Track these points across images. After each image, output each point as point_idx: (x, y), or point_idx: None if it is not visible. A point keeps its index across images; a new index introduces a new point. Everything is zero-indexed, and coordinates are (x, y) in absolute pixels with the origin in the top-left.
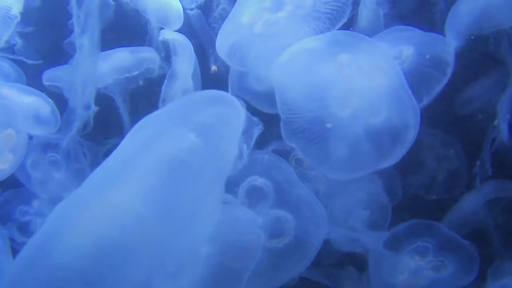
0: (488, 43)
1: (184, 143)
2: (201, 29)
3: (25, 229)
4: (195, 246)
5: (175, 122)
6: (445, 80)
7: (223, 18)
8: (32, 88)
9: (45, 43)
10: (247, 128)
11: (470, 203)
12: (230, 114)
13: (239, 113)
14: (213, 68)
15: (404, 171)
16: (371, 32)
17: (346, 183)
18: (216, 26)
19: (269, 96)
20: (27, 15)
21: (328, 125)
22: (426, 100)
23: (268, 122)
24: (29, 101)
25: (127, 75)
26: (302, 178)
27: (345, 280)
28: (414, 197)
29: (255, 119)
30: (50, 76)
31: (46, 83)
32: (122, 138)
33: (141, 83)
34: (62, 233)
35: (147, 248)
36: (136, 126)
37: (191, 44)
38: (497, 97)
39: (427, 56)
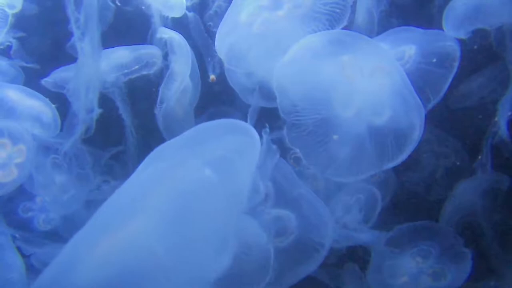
0: (484, 39)
1: (199, 179)
2: (198, 36)
3: (29, 226)
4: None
5: (190, 156)
6: (451, 76)
7: (218, 15)
8: (36, 92)
9: (44, 46)
10: (264, 157)
11: (466, 191)
12: (247, 146)
13: (256, 144)
14: (212, 77)
15: (401, 169)
16: (364, 30)
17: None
18: (211, 24)
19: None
20: (23, 22)
21: (335, 136)
22: (434, 99)
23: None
24: (32, 104)
25: (126, 70)
26: (300, 176)
27: (346, 278)
28: (414, 196)
29: (274, 147)
30: (53, 76)
31: (44, 80)
32: (123, 143)
33: (142, 75)
34: (80, 262)
35: (160, 279)
36: (151, 155)
37: (187, 44)
38: (491, 93)
39: (434, 60)
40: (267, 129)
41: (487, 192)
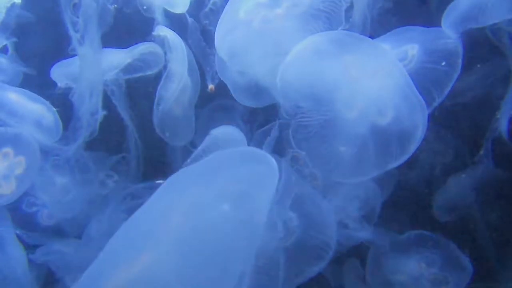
0: (478, 36)
1: (216, 213)
2: (197, 45)
3: (32, 221)
4: None
5: (207, 189)
6: (455, 73)
7: (214, 13)
8: (37, 95)
9: (44, 48)
10: (283, 189)
11: (458, 184)
12: (265, 176)
13: (274, 174)
14: (210, 87)
15: (401, 166)
16: (358, 31)
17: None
18: (207, 22)
19: (249, 89)
20: (23, 23)
21: (342, 148)
22: (439, 98)
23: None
24: (33, 108)
25: (123, 66)
26: (299, 175)
27: (346, 275)
28: (413, 194)
29: (294, 178)
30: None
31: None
32: (124, 145)
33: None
34: None
35: None
36: (166, 185)
37: (183, 43)
38: (485, 90)
39: (439, 59)
40: (288, 158)
41: (481, 187)
